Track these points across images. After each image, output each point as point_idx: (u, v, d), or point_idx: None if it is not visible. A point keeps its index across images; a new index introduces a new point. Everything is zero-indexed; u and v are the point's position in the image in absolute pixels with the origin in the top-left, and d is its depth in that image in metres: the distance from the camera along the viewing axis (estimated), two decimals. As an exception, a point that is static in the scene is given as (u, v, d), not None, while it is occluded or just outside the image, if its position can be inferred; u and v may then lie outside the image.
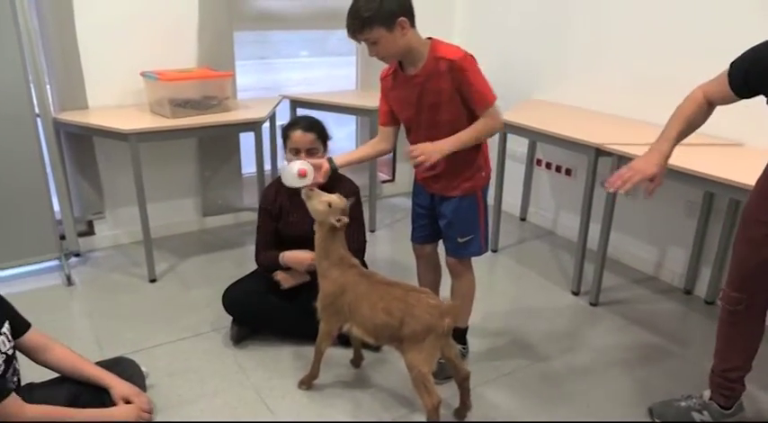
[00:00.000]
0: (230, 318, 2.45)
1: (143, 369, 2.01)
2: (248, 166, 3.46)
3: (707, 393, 1.98)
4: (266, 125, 3.27)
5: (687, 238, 2.88)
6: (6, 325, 1.65)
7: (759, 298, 1.80)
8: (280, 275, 2.37)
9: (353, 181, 2.42)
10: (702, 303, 2.83)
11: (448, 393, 2.04)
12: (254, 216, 2.81)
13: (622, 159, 2.44)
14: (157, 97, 2.93)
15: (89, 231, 3.27)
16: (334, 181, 2.22)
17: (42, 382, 1.79)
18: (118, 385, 1.79)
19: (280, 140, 2.44)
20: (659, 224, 3.04)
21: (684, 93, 1.74)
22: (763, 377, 2.17)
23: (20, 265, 2.93)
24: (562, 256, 3.32)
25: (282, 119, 3.21)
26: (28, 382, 1.77)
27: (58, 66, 2.91)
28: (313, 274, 2.14)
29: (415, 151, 1.87)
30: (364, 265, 2.16)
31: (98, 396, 1.77)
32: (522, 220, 3.84)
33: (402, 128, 2.13)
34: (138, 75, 2.99)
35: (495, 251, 3.35)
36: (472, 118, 1.95)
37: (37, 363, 1.76)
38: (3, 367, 1.58)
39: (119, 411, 1.75)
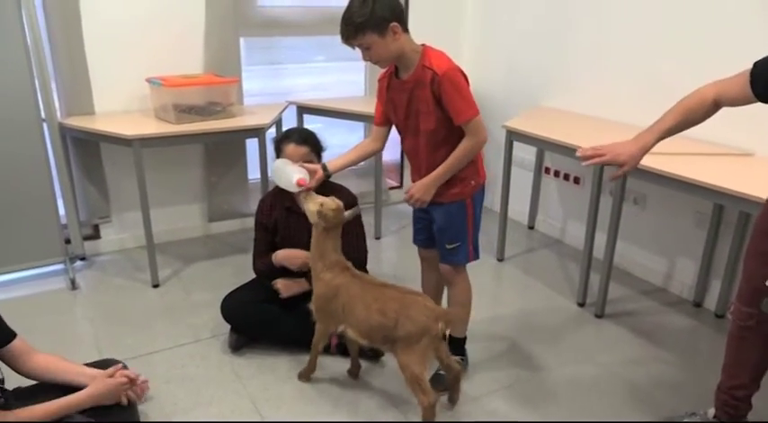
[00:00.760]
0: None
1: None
2: (255, 172, 3.44)
3: (711, 411, 1.93)
4: (272, 131, 3.26)
5: (697, 250, 2.81)
6: None
7: None
8: (279, 283, 2.35)
9: (352, 191, 2.41)
10: (712, 317, 2.76)
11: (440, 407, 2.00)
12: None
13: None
14: (162, 103, 2.94)
15: (95, 235, 3.29)
16: (333, 191, 2.21)
17: (28, 387, 1.77)
18: (97, 374, 1.77)
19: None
20: (668, 234, 2.98)
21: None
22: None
23: (25, 269, 2.95)
24: (569, 266, 3.27)
25: (289, 125, 3.21)
26: (15, 387, 1.75)
27: (65, 71, 2.93)
28: (309, 276, 2.14)
29: (411, 199, 2.05)
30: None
31: None
32: (531, 228, 3.80)
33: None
34: (144, 81, 3.01)
35: (501, 260, 3.30)
36: (453, 132, 1.95)
37: (20, 373, 1.74)
38: None
39: (93, 388, 1.71)
